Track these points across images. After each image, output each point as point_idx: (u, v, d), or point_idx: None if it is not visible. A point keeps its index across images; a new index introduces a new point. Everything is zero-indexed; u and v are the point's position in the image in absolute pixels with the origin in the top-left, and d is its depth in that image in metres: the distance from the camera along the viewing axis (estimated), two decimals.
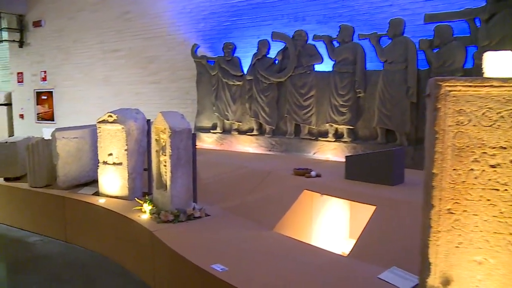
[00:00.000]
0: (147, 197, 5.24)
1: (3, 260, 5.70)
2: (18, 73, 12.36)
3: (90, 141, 6.40)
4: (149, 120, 5.95)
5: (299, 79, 7.09)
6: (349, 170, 5.25)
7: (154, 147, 5.15)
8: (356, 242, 4.09)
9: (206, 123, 8.20)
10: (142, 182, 5.89)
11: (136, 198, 5.32)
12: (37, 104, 11.78)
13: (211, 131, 8.03)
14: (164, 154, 4.94)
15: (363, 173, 5.04)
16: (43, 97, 11.75)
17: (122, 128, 5.56)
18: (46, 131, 10.71)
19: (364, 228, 4.18)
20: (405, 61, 6.07)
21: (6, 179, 6.96)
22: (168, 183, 4.82)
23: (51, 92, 11.46)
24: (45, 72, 11.64)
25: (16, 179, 6.97)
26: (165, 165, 4.94)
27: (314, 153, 7.03)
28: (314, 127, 7.05)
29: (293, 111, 7.16)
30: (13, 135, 12.58)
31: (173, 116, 5.00)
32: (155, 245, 4.43)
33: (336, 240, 5.42)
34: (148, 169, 5.88)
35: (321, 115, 7.00)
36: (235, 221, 4.90)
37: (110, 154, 5.73)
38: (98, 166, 5.87)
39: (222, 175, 6.07)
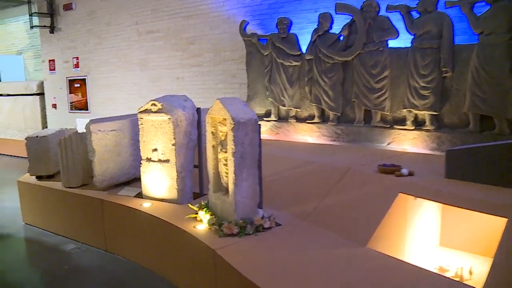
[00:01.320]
0: (202, 203, 4.29)
1: (37, 272, 4.87)
2: (50, 60, 11.61)
3: (130, 134, 5.50)
4: (199, 108, 4.98)
5: (370, 57, 6.00)
6: (452, 167, 4.16)
7: (209, 141, 4.18)
8: (490, 269, 3.04)
9: (258, 110, 7.20)
10: (192, 182, 4.94)
11: (189, 204, 4.39)
12: (70, 93, 11.01)
13: (264, 119, 7.02)
14: (223, 150, 3.97)
15: (475, 172, 3.97)
16: (76, 85, 10.98)
17: (169, 118, 4.61)
18: (80, 122, 9.91)
19: (497, 249, 3.12)
20: (508, 32, 4.89)
21: (39, 178, 6.14)
22: (231, 186, 3.85)
23: (84, 79, 10.66)
24: (77, 58, 10.85)
25: (49, 177, 6.16)
26: (225, 164, 3.97)
27: (388, 144, 5.96)
28: (388, 113, 5.97)
29: (363, 95, 6.08)
30: (46, 127, 11.89)
31: (234, 103, 4.01)
32: (218, 267, 3.50)
33: (426, 249, 4.41)
34: (199, 166, 4.94)
35: (397, 99, 5.91)
36: (314, 233, 3.92)
37: (155, 150, 4.80)
38: (140, 163, 4.94)
39: (286, 172, 5.07)
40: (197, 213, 4.22)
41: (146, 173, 4.93)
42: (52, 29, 11.26)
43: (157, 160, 4.83)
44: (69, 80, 11.13)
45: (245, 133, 3.82)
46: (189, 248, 3.97)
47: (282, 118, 6.99)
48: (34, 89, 11.99)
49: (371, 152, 5.70)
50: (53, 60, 11.53)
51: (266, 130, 7.03)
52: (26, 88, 12.12)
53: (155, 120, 4.76)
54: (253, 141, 3.90)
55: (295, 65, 6.73)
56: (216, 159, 4.19)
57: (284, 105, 6.86)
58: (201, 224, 4.07)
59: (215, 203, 4.18)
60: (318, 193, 4.55)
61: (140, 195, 5.08)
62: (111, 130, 5.36)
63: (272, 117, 6.97)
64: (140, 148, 4.93)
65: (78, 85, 10.94)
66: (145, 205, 4.73)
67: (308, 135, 6.68)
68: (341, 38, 6.34)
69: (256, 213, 4.03)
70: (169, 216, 4.37)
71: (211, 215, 4.09)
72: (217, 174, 4.21)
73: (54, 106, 11.71)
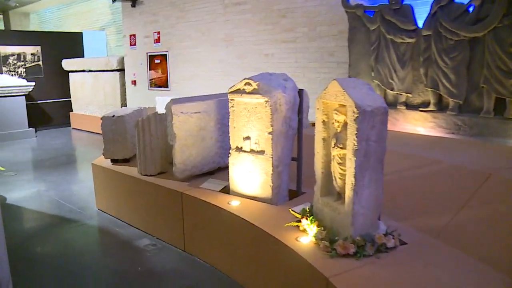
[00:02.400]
0: (306, 208, 3.42)
1: (106, 272, 4.25)
2: (131, 35, 11.16)
3: (216, 117, 4.73)
4: (302, 90, 4.09)
5: (509, 33, 4.78)
6: None
7: (319, 132, 3.30)
8: None
9: None
10: (289, 178, 4.09)
11: (290, 210, 3.53)
12: (150, 69, 10.49)
13: None
14: (339, 146, 3.06)
15: None
16: (156, 61, 10.44)
17: (266, 101, 3.76)
18: (159, 100, 9.34)
19: None
20: None
21: (114, 161, 5.54)
22: (349, 193, 2.96)
23: (165, 55, 10.09)
24: (158, 33, 10.28)
25: (126, 161, 5.55)
26: (340, 163, 3.08)
27: None
28: None
29: (495, 80, 4.91)
30: (125, 104, 11.53)
31: (357, 85, 3.10)
32: None
33: None
34: (298, 159, 4.08)
35: None
36: (452, 258, 2.96)
37: (247, 138, 3.98)
38: (229, 153, 4.15)
39: (404, 173, 4.09)
40: (299, 221, 3.36)
41: (235, 165, 4.13)
42: (134, 2, 10.76)
43: (249, 150, 4.02)
44: (149, 55, 10.62)
45: (372, 125, 2.88)
46: (289, 266, 3.15)
47: (389, 104, 5.92)
48: (115, 65, 11.63)
49: (505, 150, 4.56)
50: (134, 35, 11.08)
51: None
52: (106, 64, 11.80)
53: (248, 103, 3.93)
54: (380, 136, 2.96)
55: (409, 42, 5.65)
56: (327, 155, 3.30)
57: (392, 89, 5.81)
58: (304, 236, 3.23)
59: (323, 210, 3.31)
60: (450, 203, 3.54)
61: (226, 190, 4.31)
62: (195, 112, 4.61)
63: None
64: (230, 135, 4.14)
65: (159, 61, 10.40)
66: (233, 204, 3.95)
67: (421, 125, 5.60)
68: (471, 9, 5.15)
69: (376, 227, 3.12)
70: (263, 221, 3.56)
71: (318, 225, 3.22)
72: (328, 174, 3.33)
73: (134, 82, 11.30)
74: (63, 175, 7.65)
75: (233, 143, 4.15)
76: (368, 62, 6.06)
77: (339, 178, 3.16)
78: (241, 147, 4.09)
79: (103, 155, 5.61)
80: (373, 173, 3.00)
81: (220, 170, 4.99)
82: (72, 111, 13.39)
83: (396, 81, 5.77)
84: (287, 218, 3.54)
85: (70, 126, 13.33)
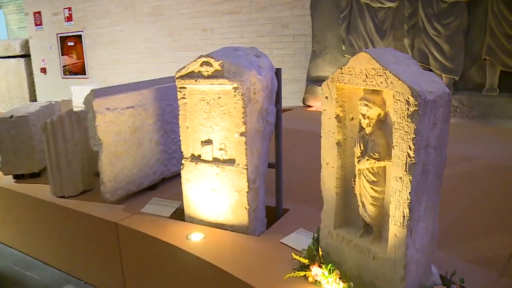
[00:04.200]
0: (312, 246, 2.26)
1: None
2: (35, 13, 9.35)
3: (155, 112, 3.47)
4: (279, 70, 2.89)
5: None
6: None
7: (330, 133, 2.14)
8: None
9: (329, 72, 5.03)
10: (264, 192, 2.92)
11: (293, 255, 2.33)
12: (63, 54, 8.80)
13: None
14: (374, 156, 1.92)
15: None
16: (70, 43, 8.78)
17: (236, 88, 2.54)
18: (76, 90, 7.72)
19: None
20: None
21: (17, 177, 4.08)
22: (398, 231, 1.88)
23: (80, 36, 8.44)
24: (69, 9, 8.59)
25: (33, 175, 4.10)
26: (373, 183, 1.92)
27: None
28: None
29: (502, 50, 4.01)
30: (34, 97, 9.72)
31: (397, 59, 1.99)
32: None
33: None
34: (277, 165, 2.90)
35: None
36: None
37: (207, 142, 2.74)
38: (181, 164, 2.88)
39: None
40: (306, 267, 2.19)
41: (192, 181, 2.88)
42: None
43: (211, 159, 2.78)
44: (60, 37, 8.90)
45: (433, 123, 1.75)
46: None
47: None
48: (17, 50, 9.77)
49: None
50: (39, 13, 9.27)
51: None
52: (7, 48, 9.89)
53: (208, 91, 2.68)
54: (441, 139, 1.84)
55: (389, 6, 4.60)
56: (345, 168, 2.13)
57: None
58: None
59: (341, 249, 2.17)
60: (506, 216, 2.51)
61: (179, 214, 3.06)
62: (127, 108, 3.29)
63: None
64: (181, 138, 2.87)
65: (72, 43, 8.74)
66: (194, 238, 2.70)
67: None
68: None
69: (430, 273, 2.01)
70: (247, 267, 2.39)
71: (340, 277, 2.06)
72: (344, 196, 2.17)
73: (43, 70, 9.52)
74: None
75: (186, 150, 2.88)
76: (337, 32, 4.96)
77: (371, 203, 2.02)
78: (199, 155, 2.84)
79: (0, 170, 4.11)
80: (430, 197, 1.89)
81: (164, 181, 3.70)
82: None
83: None
84: (280, 258, 2.39)
85: None
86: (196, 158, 2.87)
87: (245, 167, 2.69)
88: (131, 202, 3.37)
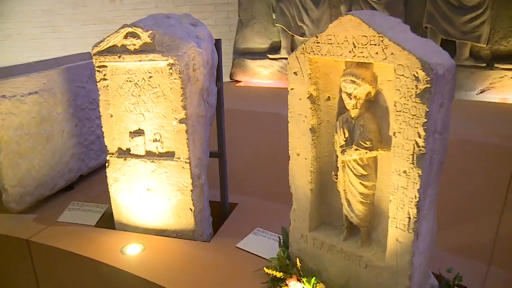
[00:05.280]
0: (282, 253, 1.85)
1: None
2: None
3: (66, 98, 2.89)
4: (219, 40, 2.40)
5: None
6: None
7: (301, 117, 1.72)
8: None
9: (259, 43, 4.66)
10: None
11: (265, 268, 1.89)
12: None
13: (269, 56, 4.47)
14: (365, 144, 1.51)
15: None
16: None
17: (171, 65, 2.02)
18: None
19: None
20: None
21: None
22: (400, 235, 1.51)
23: None
24: None
25: None
26: (362, 177, 1.54)
27: (481, 92, 3.79)
28: (483, 45, 3.71)
29: (443, 17, 3.83)
30: None
31: (390, 24, 1.55)
32: None
33: None
34: (220, 154, 2.45)
35: (503, 24, 3.68)
36: None
37: (138, 133, 2.21)
38: (107, 160, 2.32)
39: None
40: (280, 281, 1.78)
41: (121, 181, 2.33)
42: None
43: (143, 153, 2.25)
44: None
45: (441, 102, 1.39)
46: None
47: None
48: None
49: (471, 107, 3.52)
50: None
51: (272, 74, 4.56)
52: None
53: (136, 70, 2.14)
54: (446, 121, 1.48)
55: None
56: (321, 159, 1.73)
57: (303, 35, 4.37)
58: None
59: (321, 256, 1.78)
60: (485, 200, 2.27)
61: (106, 221, 2.51)
62: (30, 94, 2.64)
63: (283, 54, 4.46)
64: (104, 129, 2.30)
65: None
66: (130, 252, 2.18)
67: None
68: None
69: (428, 276, 1.70)
70: (201, 285, 1.90)
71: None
72: (319, 193, 1.77)
73: None
74: None
75: (111, 144, 2.33)
76: (267, 0, 4.49)
77: (360, 201, 1.64)
78: (128, 149, 2.30)
79: None
80: (433, 191, 1.54)
81: (82, 179, 3.11)
82: None
83: (308, 23, 4.34)
84: (241, 269, 1.98)
85: None
86: (125, 153, 2.33)
87: (187, 160, 2.21)
88: (44, 209, 2.76)
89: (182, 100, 2.13)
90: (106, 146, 2.37)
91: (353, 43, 1.49)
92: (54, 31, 6.38)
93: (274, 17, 4.46)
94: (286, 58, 4.44)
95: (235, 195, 2.75)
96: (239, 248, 2.20)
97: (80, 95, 3.03)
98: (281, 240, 2.05)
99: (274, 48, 4.55)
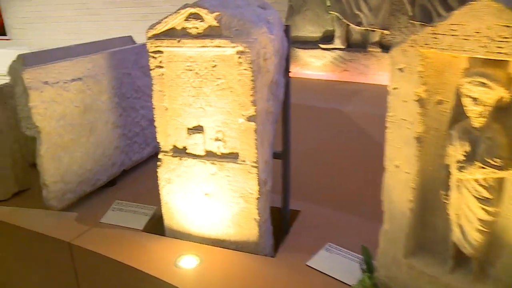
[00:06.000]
0: (367, 279, 1.52)
1: None
2: None
3: (111, 85, 2.62)
4: (288, 26, 2.08)
5: None
6: None
7: (400, 123, 1.42)
8: None
9: (310, 32, 4.33)
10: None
11: None
12: None
13: (321, 45, 4.14)
14: (493, 162, 1.16)
15: None
16: None
17: (240, 52, 1.72)
18: None
19: None
20: None
21: None
22: None
23: None
24: None
25: None
26: (484, 200, 1.20)
27: None
28: None
29: None
30: None
31: None
32: None
33: None
34: (284, 155, 2.15)
35: None
36: None
37: (197, 129, 1.93)
38: (158, 158, 2.03)
39: None
40: None
41: (174, 183, 2.05)
42: None
43: (203, 153, 1.96)
44: None
45: None
46: None
47: (354, 46, 4.13)
48: None
49: None
50: None
51: (324, 65, 4.21)
52: None
53: (198, 58, 1.85)
54: None
55: None
56: (426, 174, 1.42)
57: (360, 24, 4.01)
58: None
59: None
60: None
61: (155, 225, 2.25)
62: (73, 80, 2.38)
63: (337, 44, 4.11)
64: (156, 123, 2.03)
65: None
66: (184, 265, 1.91)
67: None
68: None
69: None
70: None
71: None
72: (420, 213, 1.46)
73: None
74: None
75: (164, 141, 2.05)
76: None
77: (478, 229, 1.32)
78: (185, 148, 2.01)
79: None
80: None
81: (124, 174, 2.85)
82: None
83: (365, 12, 3.97)
84: None
85: None
86: (181, 152, 2.05)
87: (254, 164, 1.91)
88: (85, 208, 2.51)
89: (251, 95, 1.83)
90: (159, 142, 2.09)
91: (489, 35, 1.15)
92: (89, 14, 6.14)
93: (329, 4, 4.11)
94: (339, 49, 4.11)
95: (295, 200, 2.45)
96: (309, 266, 1.91)
97: (125, 82, 2.76)
98: (363, 263, 1.74)
99: (327, 38, 4.21)
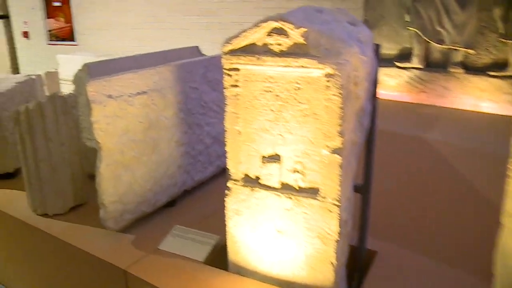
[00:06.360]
0: None
1: None
2: None
3: (176, 99, 2.47)
4: (378, 46, 1.81)
5: None
6: None
7: None
8: None
9: (386, 48, 4.06)
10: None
11: None
12: (48, 17, 7.56)
13: (398, 64, 3.84)
14: None
15: None
16: (56, 4, 7.53)
17: (329, 75, 1.49)
18: (63, 60, 6.53)
19: None
20: None
21: None
22: None
23: None
24: None
25: (7, 176, 3.07)
26: None
27: None
28: None
29: None
30: (16, 67, 8.50)
31: None
32: None
33: None
34: (365, 189, 1.85)
35: None
36: None
37: (274, 158, 1.70)
38: (227, 187, 1.82)
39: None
40: None
41: (243, 215, 1.84)
42: None
43: (278, 185, 1.72)
44: None
45: None
46: None
47: (434, 65, 3.80)
48: None
49: None
50: None
51: (399, 85, 3.90)
52: None
53: (279, 78, 1.64)
54: None
55: None
56: None
57: (441, 42, 3.67)
58: None
59: None
60: None
61: (216, 257, 2.04)
62: (138, 94, 2.21)
63: (415, 62, 3.79)
64: (228, 147, 1.82)
65: (59, 3, 7.50)
66: None
67: (489, 98, 3.55)
68: None
69: None
70: None
71: None
72: None
73: (25, 34, 8.28)
74: None
75: (235, 168, 1.84)
76: None
77: None
78: (257, 178, 1.80)
79: None
80: None
81: (186, 194, 2.67)
82: None
83: (449, 29, 3.64)
84: None
85: None
86: (253, 182, 1.83)
87: (337, 202, 1.66)
88: (142, 230, 2.35)
89: (339, 124, 1.59)
90: (228, 169, 1.88)
91: None
92: (155, 21, 6.11)
93: (407, 19, 3.81)
94: (417, 68, 3.80)
95: (371, 238, 2.18)
96: None
97: (191, 97, 2.59)
98: None
99: (404, 55, 3.91)
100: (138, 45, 6.16)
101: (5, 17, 8.51)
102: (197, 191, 2.76)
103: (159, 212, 2.51)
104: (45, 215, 2.55)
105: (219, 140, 2.84)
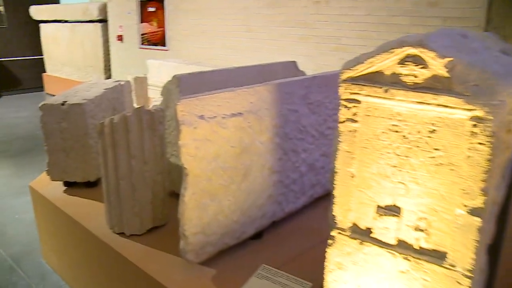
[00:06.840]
0: None
1: None
2: None
3: (273, 122, 2.21)
4: None
5: None
6: None
7: None
8: None
9: None
10: None
11: None
12: (142, 21, 7.70)
13: None
14: None
15: None
16: (150, 9, 7.65)
17: (478, 119, 1.14)
18: (152, 65, 6.58)
19: None
20: None
21: (67, 184, 2.97)
22: None
23: (162, 1, 7.28)
24: None
25: (89, 184, 2.96)
26: None
27: None
28: None
29: None
30: (109, 68, 8.75)
31: None
32: None
33: None
34: (496, 254, 1.44)
35: None
36: None
37: (391, 210, 1.36)
38: (331, 237, 1.53)
39: None
40: None
41: (347, 270, 1.54)
42: None
43: (394, 242, 1.40)
44: (141, 2, 7.80)
45: None
46: None
47: None
48: (95, 14, 8.80)
49: None
50: None
51: None
52: (84, 12, 8.96)
53: (410, 116, 1.34)
54: None
55: None
56: None
57: None
58: None
59: None
60: None
61: None
62: (233, 115, 1.97)
63: None
64: (336, 191, 1.55)
65: (153, 8, 7.61)
66: None
67: None
68: None
69: None
70: None
71: None
72: None
73: (120, 38, 8.51)
74: (4, 180, 5.02)
75: (343, 215, 1.54)
76: None
77: None
78: (369, 230, 1.49)
79: (47, 173, 2.99)
80: None
81: (273, 225, 2.41)
82: (45, 72, 10.62)
83: None
84: None
85: (43, 90, 10.59)
86: (363, 234, 1.53)
87: (468, 273, 1.33)
88: (225, 264, 2.12)
89: (483, 180, 1.25)
90: (334, 216, 1.59)
91: None
92: (246, 31, 5.96)
93: None
94: None
95: None
96: None
97: (290, 120, 2.34)
98: None
99: None
100: (229, 54, 6.05)
101: (104, 21, 8.79)
102: (286, 223, 2.49)
103: (244, 245, 2.27)
104: (122, 233, 2.39)
105: (315, 168, 2.56)
